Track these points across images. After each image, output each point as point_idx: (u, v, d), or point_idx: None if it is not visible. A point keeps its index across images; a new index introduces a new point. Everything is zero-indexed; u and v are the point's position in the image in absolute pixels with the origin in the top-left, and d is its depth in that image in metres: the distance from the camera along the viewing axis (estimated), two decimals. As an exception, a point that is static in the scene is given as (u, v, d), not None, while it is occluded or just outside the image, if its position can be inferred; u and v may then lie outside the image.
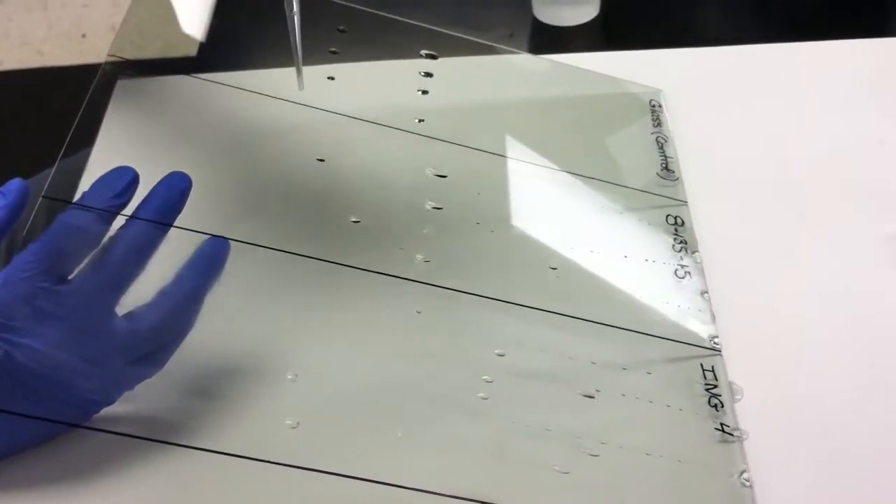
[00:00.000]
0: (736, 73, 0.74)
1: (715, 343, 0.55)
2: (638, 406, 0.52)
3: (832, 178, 0.65)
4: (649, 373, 0.54)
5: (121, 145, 0.65)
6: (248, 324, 0.55)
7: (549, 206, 0.64)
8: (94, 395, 0.48)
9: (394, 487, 0.46)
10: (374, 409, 0.52)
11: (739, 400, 0.52)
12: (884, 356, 0.54)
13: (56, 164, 0.54)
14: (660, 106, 0.71)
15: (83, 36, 1.59)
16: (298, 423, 0.50)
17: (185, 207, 0.50)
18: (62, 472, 0.49)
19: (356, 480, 0.46)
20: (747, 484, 0.49)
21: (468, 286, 0.55)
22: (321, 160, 0.54)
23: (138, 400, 0.50)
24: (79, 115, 0.55)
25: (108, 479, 0.49)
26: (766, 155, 0.67)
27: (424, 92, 0.63)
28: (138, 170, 0.49)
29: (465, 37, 0.67)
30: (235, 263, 0.51)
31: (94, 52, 1.56)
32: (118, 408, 0.49)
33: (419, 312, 0.56)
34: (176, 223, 0.50)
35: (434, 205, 0.62)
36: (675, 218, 0.62)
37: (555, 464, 0.49)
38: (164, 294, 0.49)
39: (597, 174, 0.64)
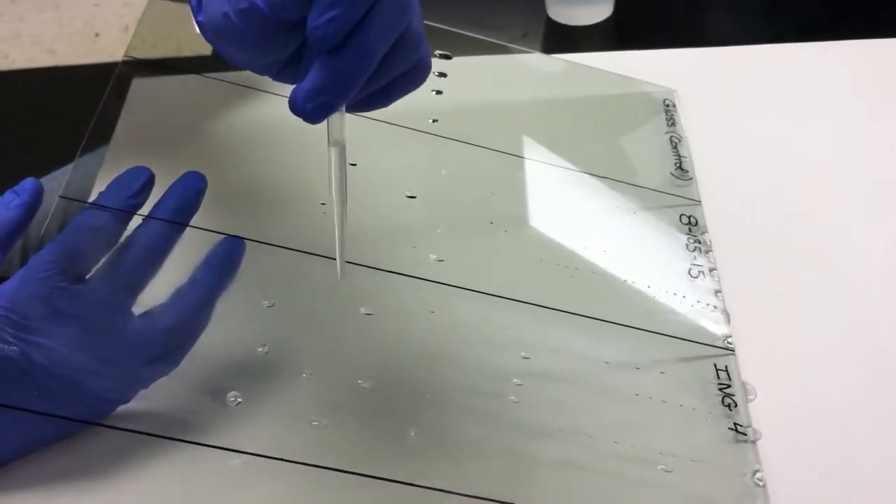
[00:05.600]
0: (749, 73, 0.74)
1: (728, 343, 0.55)
2: (651, 406, 0.52)
3: (846, 178, 0.65)
4: (663, 372, 0.54)
5: (136, 145, 0.65)
6: (263, 322, 0.55)
7: (563, 206, 0.64)
8: (110, 393, 0.48)
9: (411, 487, 0.46)
10: (388, 407, 0.52)
11: (753, 400, 0.52)
12: (898, 356, 0.54)
13: (73, 164, 0.54)
14: (673, 105, 0.71)
15: (96, 35, 1.59)
16: (314, 422, 0.50)
17: (201, 207, 0.50)
18: (79, 470, 0.49)
19: (372, 479, 0.46)
20: (760, 484, 0.49)
21: (481, 286, 0.55)
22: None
23: (153, 398, 0.50)
24: (95, 115, 0.55)
25: (124, 476, 0.49)
26: (779, 155, 0.67)
27: (438, 92, 0.63)
28: (154, 170, 0.49)
29: (478, 37, 0.67)
30: (249, 262, 0.51)
31: (107, 51, 1.56)
32: (134, 406, 0.50)
33: (433, 312, 0.56)
34: (191, 223, 0.50)
35: (447, 204, 0.62)
36: (689, 217, 0.62)
37: (568, 463, 0.50)
38: (179, 294, 0.49)
39: (611, 174, 0.64)
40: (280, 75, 0.43)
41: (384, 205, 0.62)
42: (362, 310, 0.55)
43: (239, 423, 0.51)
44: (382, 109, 0.44)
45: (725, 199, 0.64)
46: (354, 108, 0.44)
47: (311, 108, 0.39)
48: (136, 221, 0.49)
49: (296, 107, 0.39)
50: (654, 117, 0.70)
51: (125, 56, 0.59)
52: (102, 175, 0.61)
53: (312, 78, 0.39)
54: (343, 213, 0.46)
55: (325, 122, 0.42)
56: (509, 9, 0.84)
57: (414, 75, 0.44)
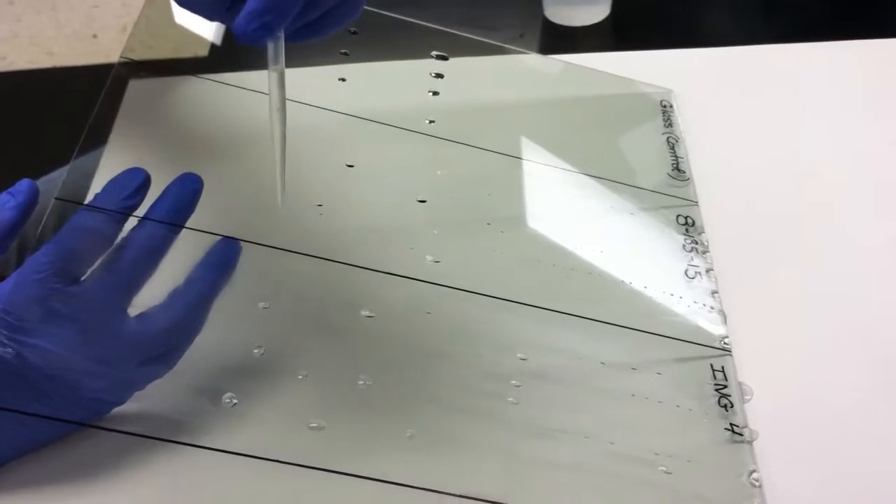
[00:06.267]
0: (746, 74, 0.74)
1: (725, 343, 0.55)
2: (648, 406, 0.52)
3: (843, 179, 0.65)
4: (659, 373, 0.54)
5: (132, 146, 0.65)
6: (258, 323, 0.55)
7: (560, 207, 0.64)
8: (106, 395, 0.48)
9: (408, 488, 0.46)
10: (385, 408, 0.52)
11: (749, 400, 0.52)
12: (895, 357, 0.54)
13: (69, 166, 0.54)
14: (670, 106, 0.71)
15: (94, 36, 1.59)
16: (311, 423, 0.50)
17: (197, 208, 0.50)
18: (74, 471, 0.49)
19: (369, 480, 0.46)
20: (756, 484, 0.49)
21: (478, 287, 0.55)
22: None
23: (149, 400, 0.50)
24: (91, 117, 0.55)
25: (119, 477, 0.49)
26: (776, 155, 0.67)
27: (435, 93, 0.63)
28: (150, 171, 0.49)
29: (475, 37, 0.67)
30: (245, 264, 0.51)
31: (105, 52, 1.56)
32: (129, 407, 0.50)
33: (429, 313, 0.56)
34: (187, 224, 0.50)
35: (444, 205, 0.62)
36: (686, 218, 0.62)
37: (564, 464, 0.49)
38: (175, 295, 0.49)
39: (607, 174, 0.64)
40: (227, 16, 0.46)
41: (380, 206, 0.62)
42: (363, 312, 0.55)
43: (235, 424, 0.51)
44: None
45: (722, 200, 0.64)
46: (293, 37, 0.47)
47: (252, 30, 0.42)
48: (132, 223, 0.49)
49: (238, 30, 0.42)
50: (651, 118, 0.70)
51: (121, 57, 0.59)
52: (99, 176, 0.61)
53: (254, 1, 0.42)
54: (283, 136, 0.49)
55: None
56: (506, 9, 0.84)
57: (349, 7, 0.47)
